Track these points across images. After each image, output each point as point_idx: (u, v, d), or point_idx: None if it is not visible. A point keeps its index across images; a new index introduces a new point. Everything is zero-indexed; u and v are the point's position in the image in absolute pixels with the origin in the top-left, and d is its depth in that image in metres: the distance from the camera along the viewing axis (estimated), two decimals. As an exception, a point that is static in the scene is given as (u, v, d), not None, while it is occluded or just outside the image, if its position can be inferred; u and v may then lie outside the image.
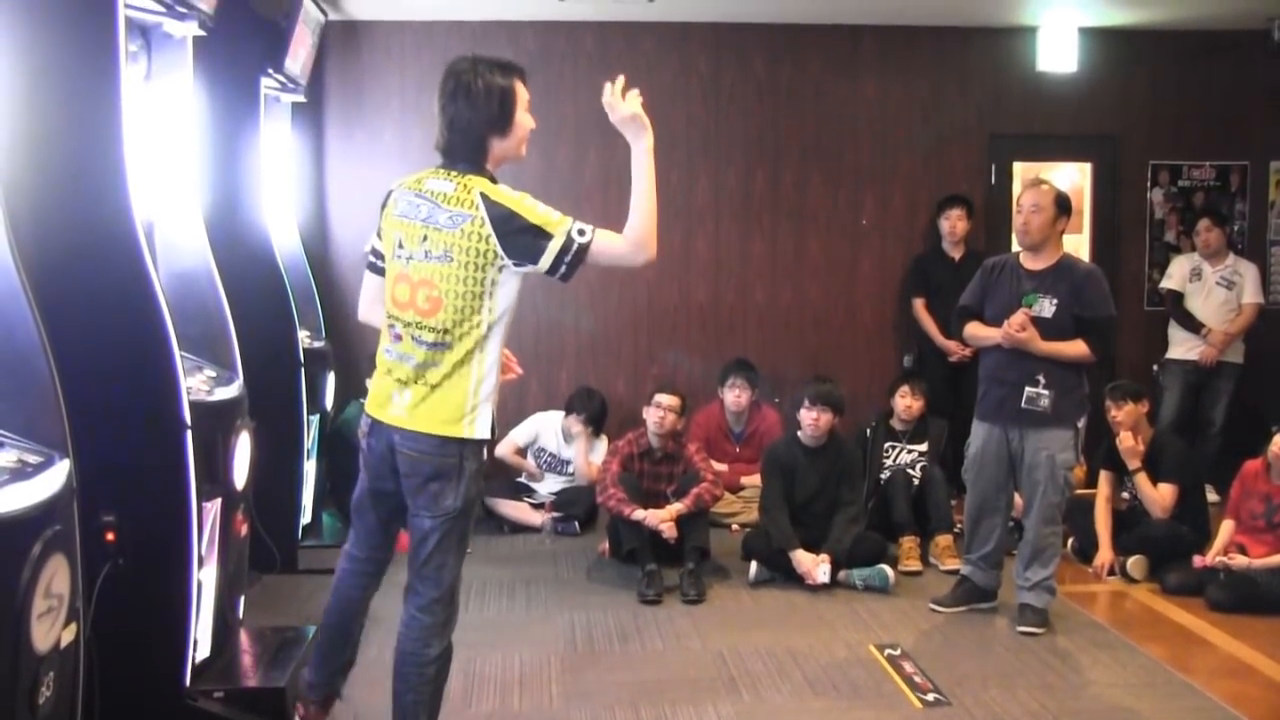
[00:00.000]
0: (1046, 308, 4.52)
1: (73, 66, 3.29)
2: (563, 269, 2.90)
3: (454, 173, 2.97)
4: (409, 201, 3.00)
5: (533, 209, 2.89)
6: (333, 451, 5.75)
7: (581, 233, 2.90)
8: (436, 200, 2.94)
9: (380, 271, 3.12)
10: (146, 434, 3.42)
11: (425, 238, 2.94)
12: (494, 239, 2.87)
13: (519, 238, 2.87)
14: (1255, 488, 5.13)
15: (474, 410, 2.95)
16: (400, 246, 3.00)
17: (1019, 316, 4.48)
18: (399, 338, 3.00)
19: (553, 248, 2.88)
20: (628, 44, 6.86)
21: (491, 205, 2.88)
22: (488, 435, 2.99)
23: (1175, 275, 6.82)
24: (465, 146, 2.97)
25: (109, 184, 3.34)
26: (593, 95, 7.25)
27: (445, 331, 2.93)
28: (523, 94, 3.03)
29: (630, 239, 2.99)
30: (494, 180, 2.98)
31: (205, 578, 3.58)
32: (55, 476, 2.65)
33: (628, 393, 6.78)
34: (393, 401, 3.00)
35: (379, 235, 3.13)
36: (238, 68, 4.96)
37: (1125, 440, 5.39)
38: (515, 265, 2.91)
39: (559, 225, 2.89)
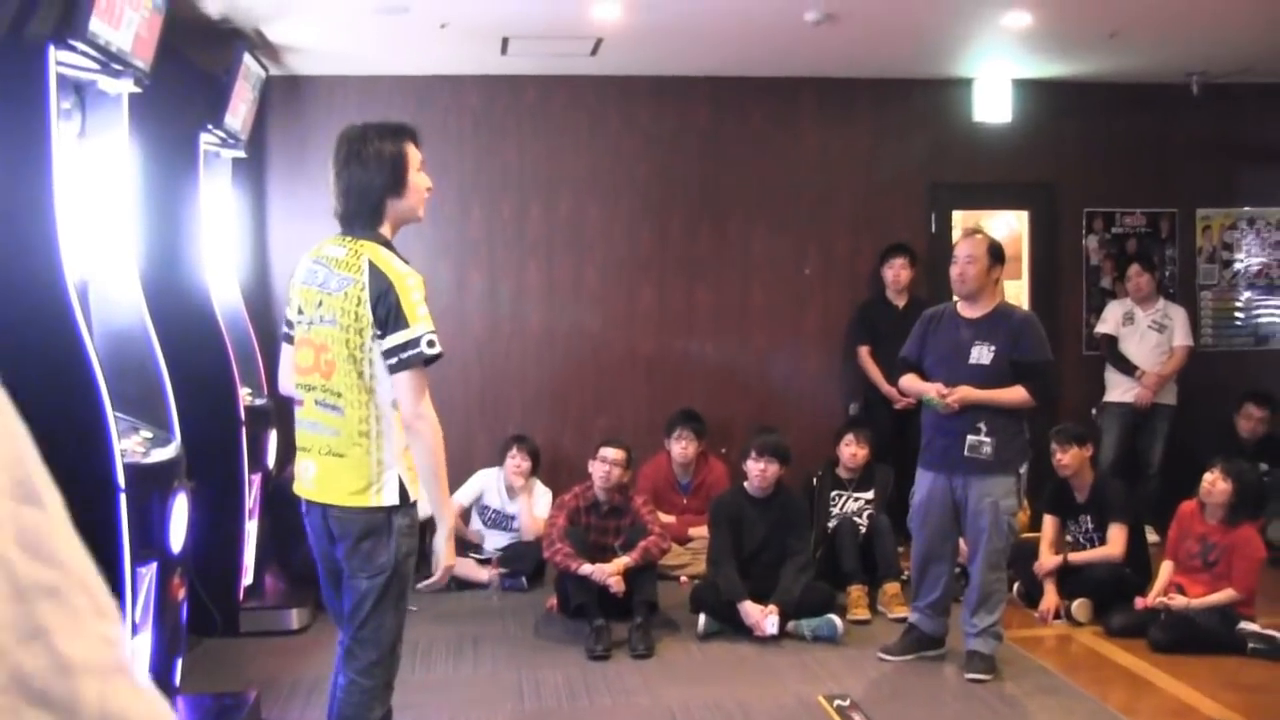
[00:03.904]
0: (985, 355, 4.58)
1: (2, 124, 3.25)
2: (394, 360, 2.88)
3: (349, 238, 3.02)
4: (309, 269, 3.07)
5: (409, 292, 2.89)
6: (276, 511, 5.66)
7: (430, 345, 2.89)
8: (330, 265, 3.00)
9: (293, 340, 3.16)
10: (78, 498, 3.28)
11: (320, 303, 3.00)
12: (367, 304, 2.89)
13: (385, 311, 2.88)
14: (1191, 528, 5.21)
15: (380, 478, 2.95)
16: (300, 313, 3.07)
17: (936, 394, 4.54)
18: (301, 403, 3.06)
19: (400, 336, 2.87)
20: (570, 97, 6.92)
21: (375, 273, 2.90)
22: (396, 501, 2.96)
23: (1109, 320, 6.95)
24: (362, 211, 3.01)
25: (40, 243, 3.30)
26: (536, 149, 7.38)
27: (339, 395, 2.96)
28: (415, 155, 3.07)
29: (429, 423, 2.92)
30: (389, 245, 3.01)
31: (139, 645, 3.49)
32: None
33: (574, 446, 6.74)
34: (304, 475, 3.05)
35: (289, 304, 3.18)
36: (176, 123, 4.93)
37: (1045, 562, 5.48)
38: (374, 334, 2.91)
39: (418, 323, 2.88)
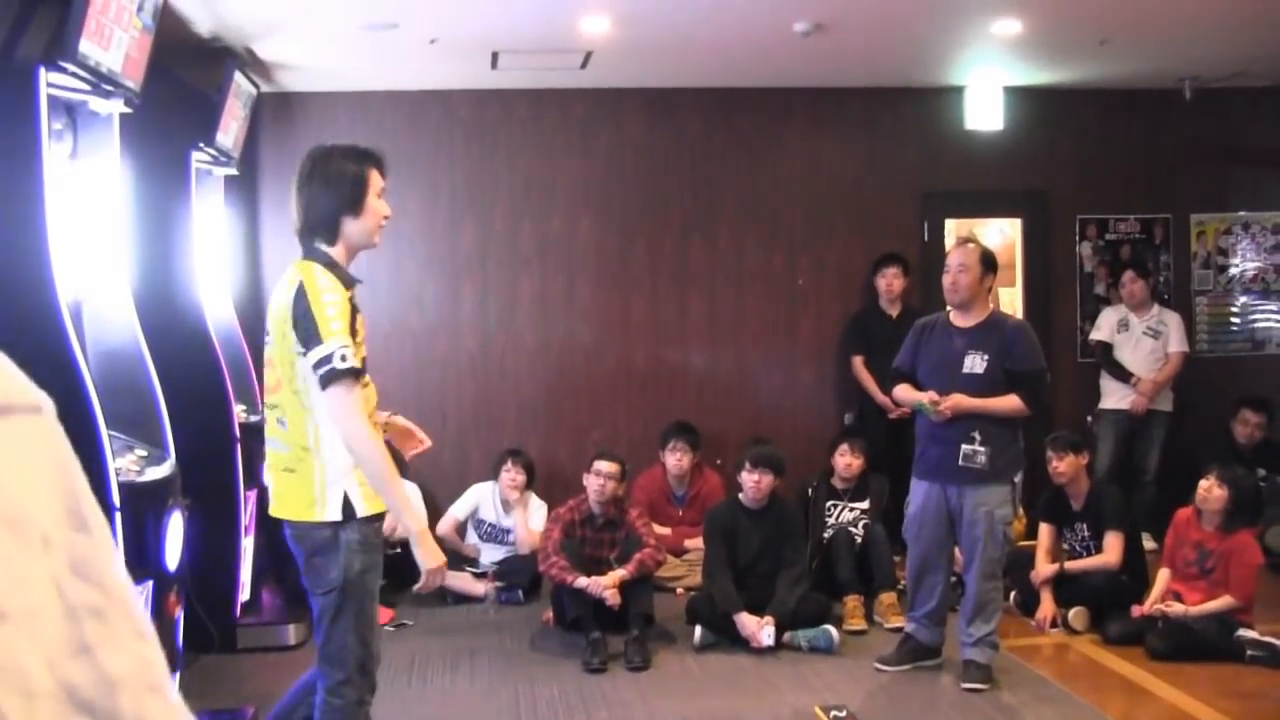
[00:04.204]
0: (978, 364, 4.58)
1: (-6, 147, 3.27)
2: (318, 375, 2.91)
3: (299, 260, 3.07)
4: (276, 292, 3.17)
5: (323, 309, 2.92)
6: (271, 527, 5.65)
7: (344, 359, 2.90)
8: (281, 286, 3.08)
9: None
10: (73, 518, 3.35)
11: (270, 321, 3.09)
12: (290, 321, 2.95)
13: (302, 327, 2.93)
14: (1187, 535, 5.21)
15: (323, 492, 2.98)
16: (267, 334, 3.15)
17: (929, 401, 4.55)
18: (266, 422, 3.14)
19: (317, 353, 2.90)
20: (561, 110, 6.92)
21: (299, 291, 2.95)
22: (339, 517, 2.98)
23: (1104, 327, 6.96)
24: (319, 228, 3.06)
25: (33, 263, 3.32)
26: (527, 162, 7.38)
27: (285, 411, 3.03)
28: (376, 181, 3.10)
29: (366, 439, 2.94)
30: (333, 265, 3.03)
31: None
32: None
33: (569, 459, 6.73)
34: (270, 493, 3.14)
35: None
36: (168, 142, 4.94)
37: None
38: (298, 352, 2.95)
39: (331, 338, 2.90)
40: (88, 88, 3.58)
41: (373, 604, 3.08)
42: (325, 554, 2.99)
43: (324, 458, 2.98)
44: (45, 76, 3.29)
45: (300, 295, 2.94)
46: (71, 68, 3.36)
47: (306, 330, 2.91)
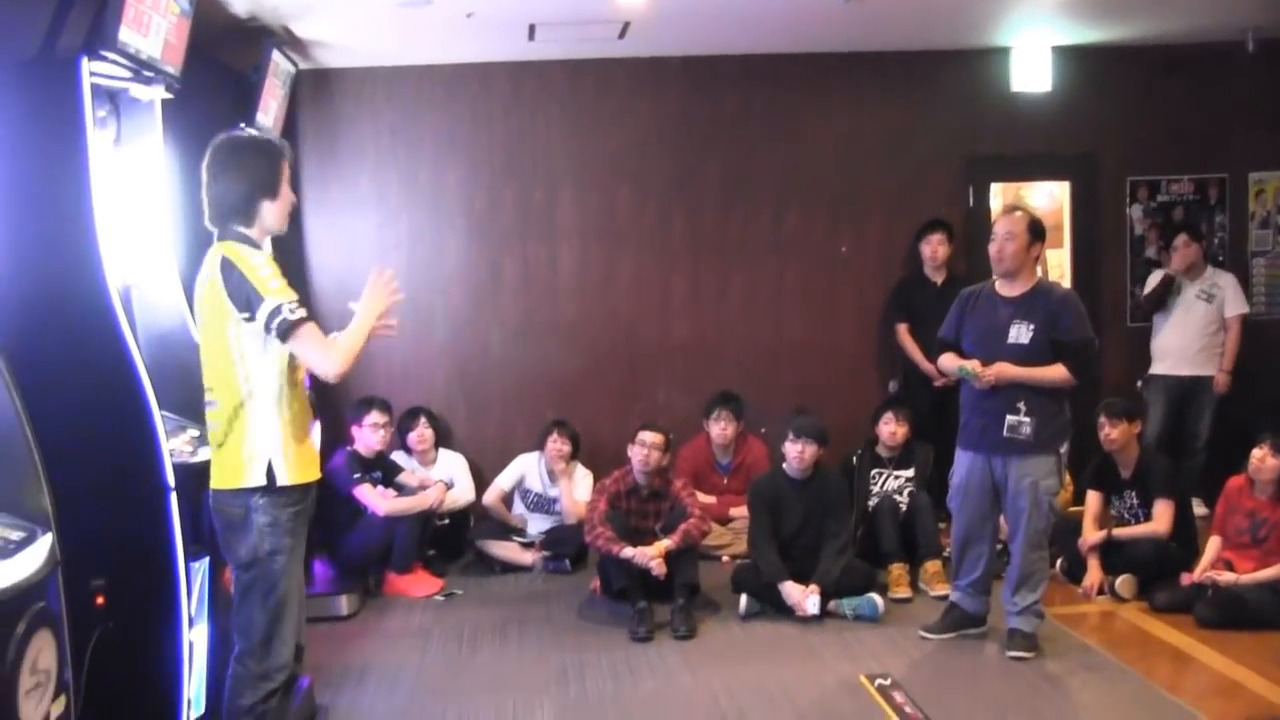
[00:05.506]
0: (1024, 334, 4.53)
1: (40, 135, 3.34)
2: (273, 329, 3.01)
3: (217, 242, 3.16)
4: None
5: (256, 270, 3.03)
6: (322, 499, 5.73)
7: (293, 310, 3.01)
8: (204, 270, 3.17)
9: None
10: (131, 498, 3.45)
11: (198, 305, 3.20)
12: (224, 292, 3.04)
13: (240, 292, 3.03)
14: (1240, 504, 5.14)
15: (250, 460, 3.09)
16: (196, 318, 3.28)
17: (973, 369, 4.51)
18: (207, 410, 3.21)
19: (265, 308, 3.02)
20: (599, 81, 6.89)
21: (226, 264, 3.06)
22: (262, 482, 3.08)
23: (1151, 284, 6.83)
24: (236, 213, 3.15)
25: (81, 251, 3.39)
26: (566, 136, 7.36)
27: (211, 389, 3.14)
28: (285, 169, 3.22)
29: (334, 349, 3.12)
30: (251, 243, 3.13)
31: (196, 637, 3.58)
32: (38, 552, 2.68)
33: (613, 431, 6.68)
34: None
35: None
36: (210, 124, 4.94)
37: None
38: (243, 318, 3.04)
39: (274, 294, 3.02)
40: (129, 75, 3.63)
41: (287, 586, 3.15)
42: (236, 531, 3.13)
43: (254, 426, 3.09)
44: (87, 66, 3.34)
45: (228, 266, 3.05)
46: (112, 56, 3.41)
47: (246, 295, 3.02)
